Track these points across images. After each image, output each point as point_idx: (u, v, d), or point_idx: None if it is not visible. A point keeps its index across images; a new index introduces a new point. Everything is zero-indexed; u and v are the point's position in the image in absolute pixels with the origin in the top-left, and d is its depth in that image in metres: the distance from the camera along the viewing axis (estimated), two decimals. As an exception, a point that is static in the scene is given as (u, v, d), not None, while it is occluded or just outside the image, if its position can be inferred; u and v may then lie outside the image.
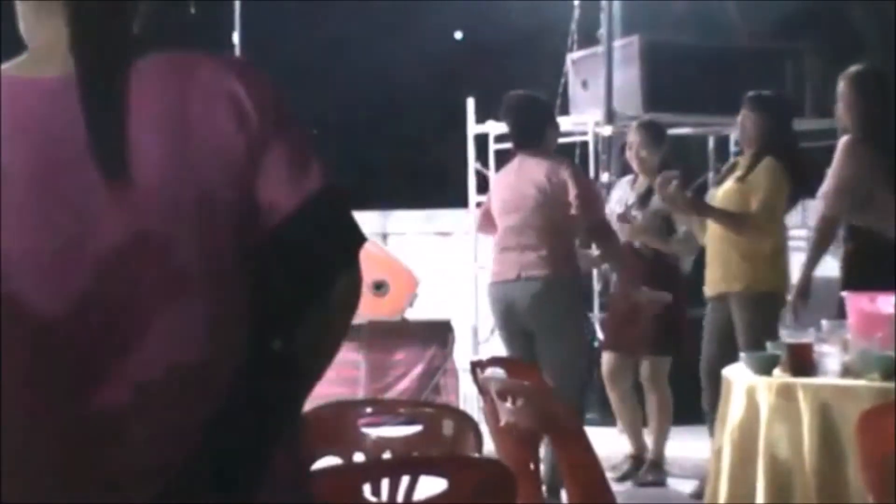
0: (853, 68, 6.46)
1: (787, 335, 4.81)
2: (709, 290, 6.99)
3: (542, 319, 6.74)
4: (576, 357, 6.81)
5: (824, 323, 4.88)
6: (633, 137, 7.71)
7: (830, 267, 6.79)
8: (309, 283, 2.08)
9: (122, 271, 1.99)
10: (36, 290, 1.98)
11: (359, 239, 2.12)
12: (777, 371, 4.72)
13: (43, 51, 2.11)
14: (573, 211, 6.75)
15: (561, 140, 8.35)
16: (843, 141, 6.41)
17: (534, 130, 7.03)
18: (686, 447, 7.91)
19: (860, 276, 5.97)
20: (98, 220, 2.00)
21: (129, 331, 1.99)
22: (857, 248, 6.35)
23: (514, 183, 6.93)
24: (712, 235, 6.95)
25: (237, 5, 9.76)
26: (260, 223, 2.05)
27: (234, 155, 2.04)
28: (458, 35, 12.11)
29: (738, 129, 7.33)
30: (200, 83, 2.06)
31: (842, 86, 6.42)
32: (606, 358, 7.74)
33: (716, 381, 5.41)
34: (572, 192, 6.76)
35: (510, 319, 6.86)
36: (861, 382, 4.49)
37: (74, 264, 1.99)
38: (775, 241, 6.91)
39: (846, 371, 4.57)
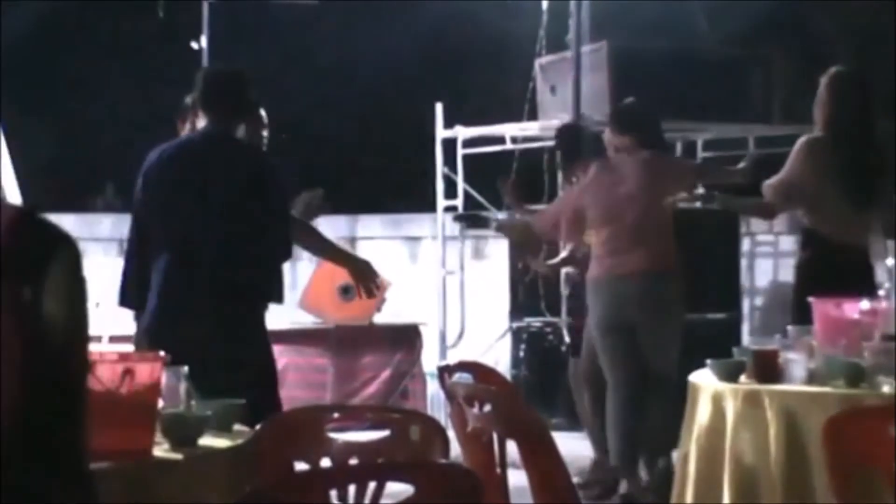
0: (832, 69, 6.43)
1: (753, 342, 4.83)
2: None
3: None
4: None
5: (790, 329, 4.90)
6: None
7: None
8: None
9: None
10: None
11: None
12: (743, 378, 4.72)
13: None
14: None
15: (528, 145, 8.40)
16: (803, 138, 6.41)
17: None
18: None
19: (813, 282, 5.91)
20: None
21: None
22: (812, 255, 6.34)
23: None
24: None
25: (205, 8, 9.72)
26: None
27: None
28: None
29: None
30: None
31: (820, 85, 6.39)
32: (574, 362, 7.75)
33: None
34: None
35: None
36: (827, 389, 4.50)
37: None
38: None
39: (812, 377, 4.58)
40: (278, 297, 5.77)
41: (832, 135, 6.27)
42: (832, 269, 5.90)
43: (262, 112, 6.18)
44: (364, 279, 6.02)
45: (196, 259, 5.45)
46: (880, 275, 5.11)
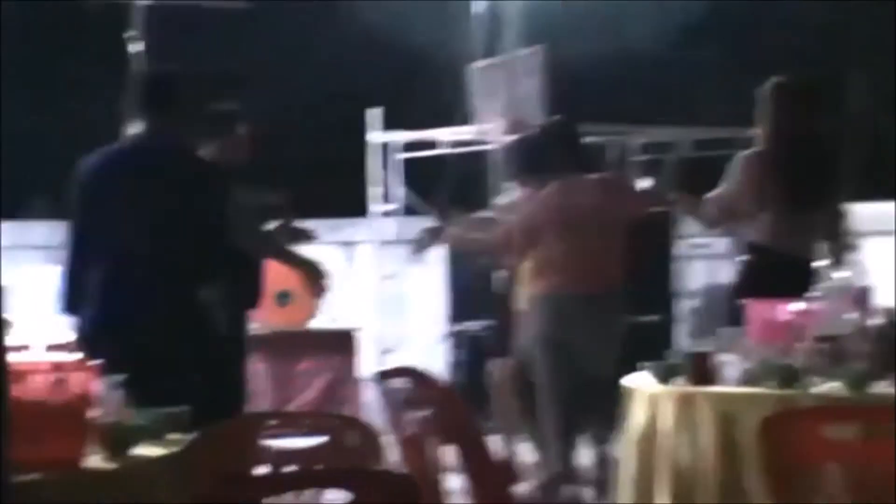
0: (774, 79, 6.41)
1: (688, 344, 4.85)
2: None
3: None
4: None
5: (724, 331, 4.92)
6: None
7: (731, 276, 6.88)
8: None
9: None
10: None
11: None
12: (678, 380, 4.74)
13: None
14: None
15: (463, 149, 8.42)
16: (741, 154, 6.44)
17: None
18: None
19: (750, 288, 5.93)
20: None
21: None
22: (750, 262, 6.38)
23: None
24: None
25: (136, 11, 9.68)
26: None
27: None
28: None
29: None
30: None
31: (761, 95, 6.38)
32: (500, 364, 7.76)
33: None
34: None
35: None
36: (761, 390, 4.52)
37: None
38: None
39: (746, 379, 4.61)
40: (248, 302, 5.78)
41: (771, 147, 6.29)
42: (772, 279, 5.91)
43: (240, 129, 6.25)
44: (315, 280, 6.03)
45: (131, 267, 5.42)
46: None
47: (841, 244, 6.25)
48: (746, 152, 6.42)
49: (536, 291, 7.09)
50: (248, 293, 6.38)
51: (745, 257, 6.43)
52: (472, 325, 9.69)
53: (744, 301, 5.16)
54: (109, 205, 5.50)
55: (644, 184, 7.31)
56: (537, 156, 7.30)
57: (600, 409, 6.88)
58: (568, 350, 6.99)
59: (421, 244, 7.67)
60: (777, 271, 5.87)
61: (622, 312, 7.16)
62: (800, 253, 6.13)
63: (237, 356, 6.17)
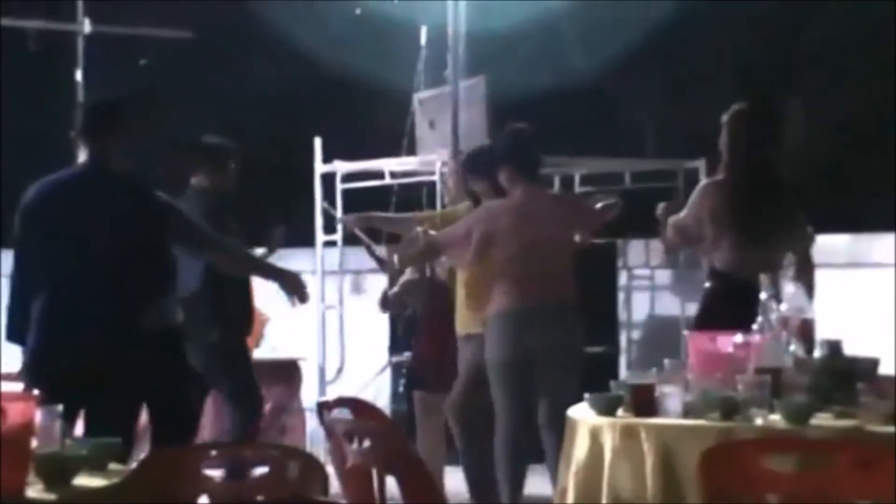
0: (734, 106, 6.51)
1: (630, 376, 4.85)
2: None
3: None
4: None
5: (666, 362, 4.94)
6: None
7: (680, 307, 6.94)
8: None
9: None
10: None
11: None
12: (620, 411, 4.75)
13: None
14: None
15: (407, 180, 8.43)
16: (703, 181, 6.68)
17: None
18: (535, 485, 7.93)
19: (713, 315, 6.06)
20: None
21: None
22: (713, 288, 6.46)
23: None
24: None
25: (80, 41, 9.65)
26: None
27: None
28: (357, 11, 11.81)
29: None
30: None
31: (722, 124, 6.48)
32: (420, 396, 7.80)
33: None
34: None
35: None
36: (702, 422, 4.52)
37: None
38: None
39: (688, 411, 4.62)
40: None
41: (731, 175, 6.40)
42: (734, 306, 5.92)
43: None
44: (296, 290, 6.13)
45: (74, 296, 5.40)
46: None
47: (808, 268, 6.34)
48: (707, 181, 6.60)
49: (498, 309, 7.03)
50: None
51: (707, 284, 6.51)
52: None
53: (686, 332, 5.18)
54: (52, 235, 5.49)
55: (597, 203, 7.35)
56: (491, 164, 7.30)
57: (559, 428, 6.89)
58: (527, 368, 6.95)
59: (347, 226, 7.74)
60: (738, 298, 5.89)
61: (581, 328, 7.10)
62: (756, 279, 6.16)
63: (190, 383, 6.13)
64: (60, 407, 3.77)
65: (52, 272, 5.46)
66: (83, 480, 3.58)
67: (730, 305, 5.97)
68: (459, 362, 7.44)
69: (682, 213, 6.46)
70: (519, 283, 6.97)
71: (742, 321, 5.02)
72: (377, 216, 8.57)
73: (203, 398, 6.86)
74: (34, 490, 3.44)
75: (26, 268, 5.56)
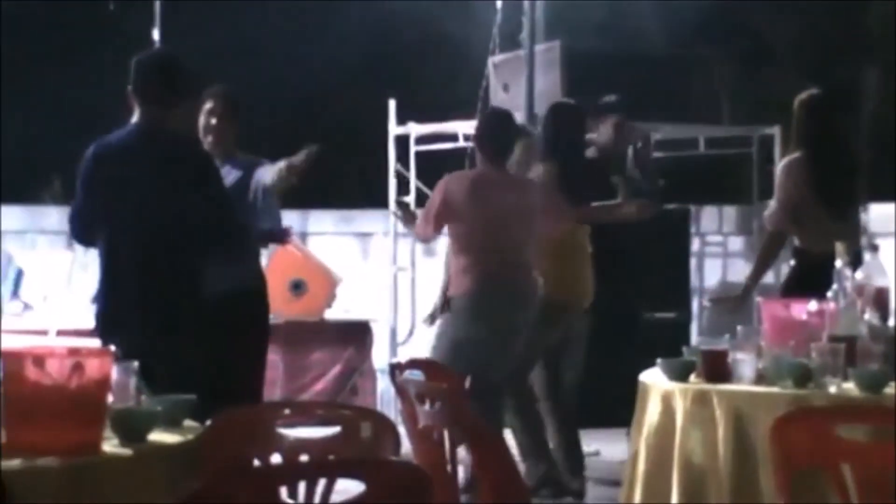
0: (805, 93, 6.81)
1: (702, 342, 4.83)
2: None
3: None
4: None
5: (739, 329, 4.92)
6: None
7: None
8: None
9: None
10: None
11: None
12: (692, 377, 4.74)
13: None
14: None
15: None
16: (783, 162, 6.87)
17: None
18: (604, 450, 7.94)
19: (795, 291, 6.15)
20: None
21: None
22: (795, 267, 6.75)
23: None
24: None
25: (157, 2, 9.68)
26: None
27: None
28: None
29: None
30: None
31: (794, 109, 6.78)
32: None
33: None
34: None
35: None
36: (774, 389, 4.51)
37: None
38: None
39: (760, 378, 4.60)
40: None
41: (808, 155, 6.67)
42: (819, 281, 5.94)
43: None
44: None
45: (137, 259, 5.42)
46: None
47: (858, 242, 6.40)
48: (787, 159, 6.82)
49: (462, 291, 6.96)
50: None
51: (791, 262, 6.80)
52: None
53: (759, 299, 5.16)
54: (110, 199, 5.50)
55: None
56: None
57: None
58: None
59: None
60: (822, 273, 5.94)
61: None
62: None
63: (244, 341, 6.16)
64: (136, 363, 3.79)
65: (112, 237, 5.48)
66: (158, 436, 3.59)
67: (812, 284, 5.98)
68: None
69: (777, 197, 6.73)
70: (485, 262, 6.93)
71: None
72: None
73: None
74: (110, 445, 3.45)
75: (87, 220, 5.58)
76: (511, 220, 6.88)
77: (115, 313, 5.43)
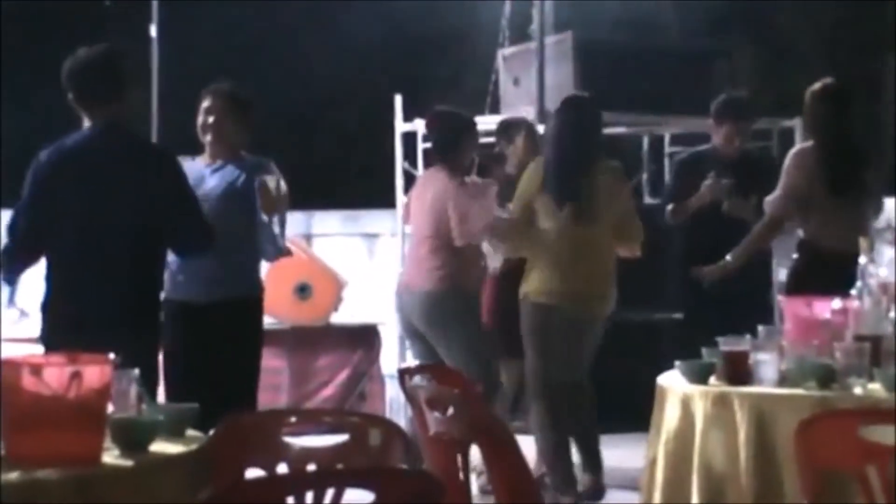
0: (817, 84, 6.83)
1: (723, 343, 4.73)
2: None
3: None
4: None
5: (760, 329, 4.81)
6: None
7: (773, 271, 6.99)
8: None
9: None
10: None
11: None
12: (713, 379, 4.65)
13: None
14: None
15: (491, 139, 8.29)
16: (793, 150, 6.92)
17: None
18: (623, 456, 7.83)
19: (801, 285, 6.17)
20: None
21: None
22: (804, 262, 6.68)
23: None
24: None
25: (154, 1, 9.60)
26: None
27: None
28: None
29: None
30: None
31: (806, 99, 6.82)
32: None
33: None
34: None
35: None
36: (798, 391, 4.44)
37: None
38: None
39: (783, 379, 4.52)
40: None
41: (820, 146, 6.69)
42: (823, 275, 5.94)
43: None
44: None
45: (96, 263, 5.33)
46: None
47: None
48: (798, 147, 6.88)
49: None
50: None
51: (794, 256, 6.76)
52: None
53: (781, 298, 5.08)
54: (62, 206, 5.40)
55: None
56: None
57: None
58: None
59: None
60: (827, 267, 5.96)
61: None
62: (847, 248, 6.11)
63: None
64: (137, 371, 3.71)
65: (64, 240, 5.39)
66: (160, 446, 3.54)
67: (818, 278, 5.94)
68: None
69: (782, 184, 6.69)
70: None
71: (833, 292, 4.91)
72: None
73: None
74: (111, 456, 3.41)
75: (31, 229, 5.46)
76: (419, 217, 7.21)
77: (72, 319, 5.31)
